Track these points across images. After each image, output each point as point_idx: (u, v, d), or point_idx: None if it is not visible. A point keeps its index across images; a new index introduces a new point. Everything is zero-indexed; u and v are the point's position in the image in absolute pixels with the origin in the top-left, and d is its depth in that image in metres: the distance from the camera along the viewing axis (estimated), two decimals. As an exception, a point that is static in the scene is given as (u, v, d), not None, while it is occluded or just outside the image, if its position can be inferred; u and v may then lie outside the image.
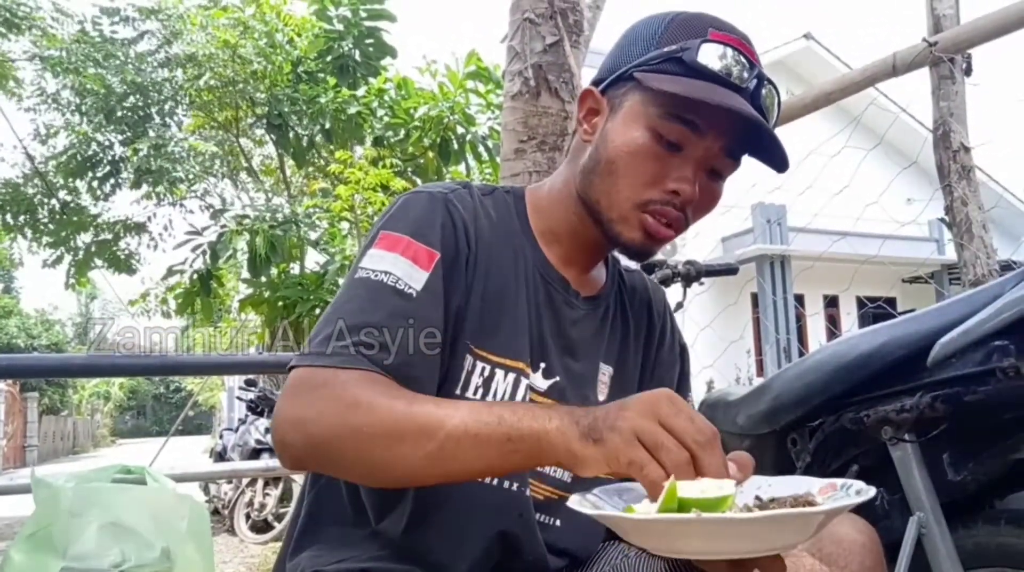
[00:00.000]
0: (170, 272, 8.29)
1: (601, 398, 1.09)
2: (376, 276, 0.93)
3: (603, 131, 1.02)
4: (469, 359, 0.98)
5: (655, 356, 1.19)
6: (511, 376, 1.00)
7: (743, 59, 0.97)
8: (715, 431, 0.74)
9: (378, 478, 0.87)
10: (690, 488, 0.69)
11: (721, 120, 0.96)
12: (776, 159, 1.01)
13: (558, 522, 1.04)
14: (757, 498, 0.77)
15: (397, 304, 0.92)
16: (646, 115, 0.98)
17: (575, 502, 0.78)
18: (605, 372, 1.11)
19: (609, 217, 1.01)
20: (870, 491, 0.73)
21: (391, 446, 0.82)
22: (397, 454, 0.82)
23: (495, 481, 0.98)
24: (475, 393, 0.98)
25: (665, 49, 0.98)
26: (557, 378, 1.05)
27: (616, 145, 0.99)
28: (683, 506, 0.68)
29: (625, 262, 1.21)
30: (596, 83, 1.07)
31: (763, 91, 0.99)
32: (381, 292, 0.92)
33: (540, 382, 1.03)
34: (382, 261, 0.94)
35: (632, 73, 0.99)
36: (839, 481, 0.78)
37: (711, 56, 0.96)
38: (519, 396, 1.00)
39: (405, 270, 0.94)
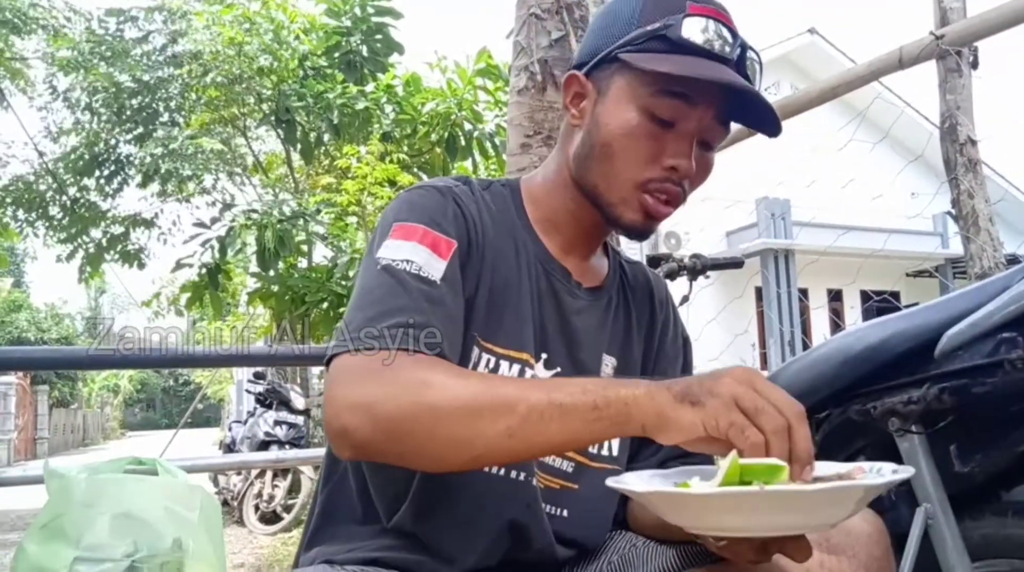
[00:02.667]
0: (179, 265, 8.31)
1: None
2: (398, 264, 0.93)
3: (593, 115, 1.02)
4: (476, 351, 0.99)
5: (657, 347, 1.18)
6: (516, 367, 1.01)
7: (725, 30, 0.98)
8: (803, 408, 0.76)
9: (452, 459, 0.83)
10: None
11: (712, 90, 0.96)
12: (768, 123, 1.01)
13: (565, 512, 1.04)
14: None
15: (424, 289, 0.91)
16: (637, 95, 0.98)
17: (615, 482, 0.79)
18: (608, 363, 1.11)
19: (608, 200, 1.01)
20: (908, 470, 0.75)
21: (471, 422, 0.80)
22: (476, 430, 0.80)
23: (502, 471, 0.98)
24: None
25: (648, 28, 0.97)
26: (559, 369, 1.05)
27: (610, 128, 0.99)
28: (744, 478, 0.71)
29: (627, 247, 1.21)
30: (579, 66, 1.06)
31: (747, 59, 1.00)
32: (406, 278, 0.92)
33: (542, 373, 1.04)
34: (400, 250, 0.94)
35: (617, 54, 0.99)
36: (866, 464, 0.79)
37: (695, 31, 0.96)
38: None
39: (425, 259, 0.94)
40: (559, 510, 1.04)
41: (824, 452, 1.46)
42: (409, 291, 0.91)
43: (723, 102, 0.98)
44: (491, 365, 0.99)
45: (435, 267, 0.94)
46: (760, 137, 2.60)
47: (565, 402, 0.79)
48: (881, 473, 0.77)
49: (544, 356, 1.04)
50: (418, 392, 0.81)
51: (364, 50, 8.85)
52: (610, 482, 0.81)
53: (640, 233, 1.04)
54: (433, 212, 0.98)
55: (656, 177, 0.98)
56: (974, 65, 2.12)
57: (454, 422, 0.80)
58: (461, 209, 1.01)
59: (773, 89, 13.30)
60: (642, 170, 0.99)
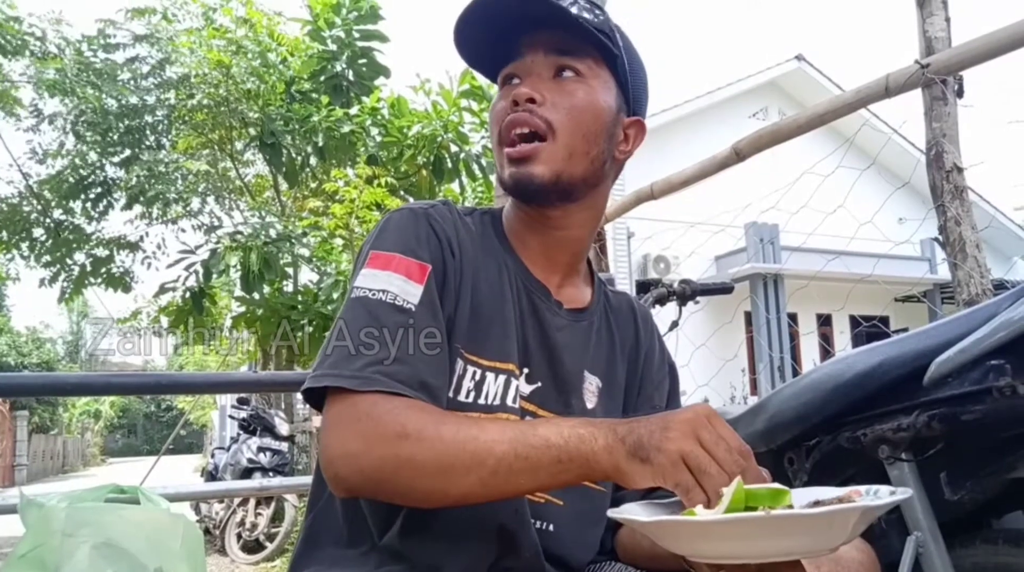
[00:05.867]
0: (162, 290, 8.25)
1: (589, 406, 1.11)
2: (374, 295, 0.96)
3: None
4: (460, 364, 1.01)
5: (643, 373, 1.20)
6: (501, 377, 1.02)
7: None
8: (750, 452, 0.78)
9: (434, 502, 0.90)
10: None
11: (523, 35, 1.06)
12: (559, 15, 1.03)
13: (551, 527, 1.05)
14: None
15: (400, 319, 0.94)
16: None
17: (616, 513, 0.80)
18: (592, 381, 1.12)
19: (501, 176, 1.07)
20: (906, 491, 0.75)
21: (445, 475, 0.85)
22: (451, 482, 0.85)
23: None
24: (467, 396, 1.00)
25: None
26: (539, 384, 1.07)
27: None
28: (748, 504, 0.71)
29: (616, 271, 1.23)
30: None
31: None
32: (382, 310, 0.94)
33: (524, 386, 1.05)
34: (376, 280, 0.97)
35: None
36: (862, 487, 0.79)
37: (460, 13, 1.05)
38: (509, 397, 1.02)
39: (400, 286, 0.96)
40: (546, 524, 1.04)
41: (814, 479, 1.46)
42: (384, 325, 0.93)
43: (543, 35, 1.05)
44: (477, 377, 1.01)
45: (411, 293, 0.96)
46: (749, 163, 2.62)
47: (531, 456, 0.83)
48: (878, 495, 0.77)
49: (526, 370, 1.06)
50: (396, 445, 0.86)
51: (350, 74, 8.88)
52: (612, 513, 0.82)
53: (520, 183, 1.05)
54: (407, 238, 1.01)
55: (506, 122, 1.05)
56: (959, 94, 2.15)
57: (429, 475, 0.85)
58: (435, 230, 1.03)
59: (761, 114, 13.45)
60: (498, 127, 1.07)
